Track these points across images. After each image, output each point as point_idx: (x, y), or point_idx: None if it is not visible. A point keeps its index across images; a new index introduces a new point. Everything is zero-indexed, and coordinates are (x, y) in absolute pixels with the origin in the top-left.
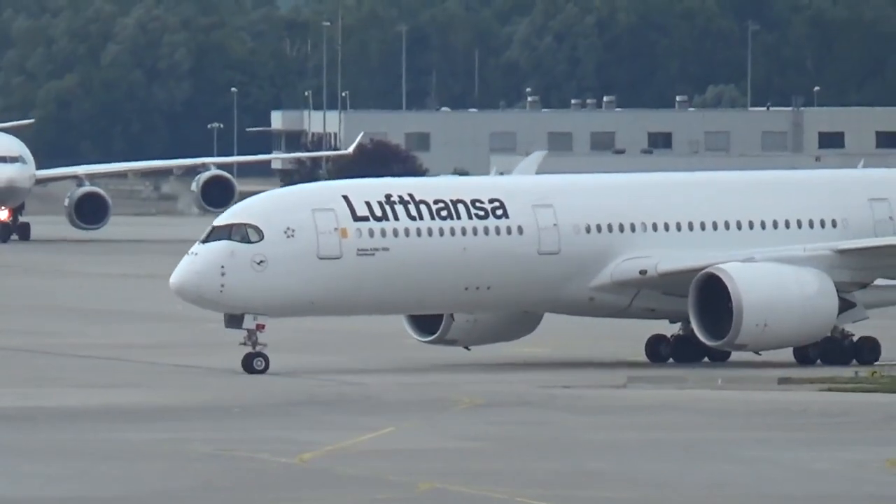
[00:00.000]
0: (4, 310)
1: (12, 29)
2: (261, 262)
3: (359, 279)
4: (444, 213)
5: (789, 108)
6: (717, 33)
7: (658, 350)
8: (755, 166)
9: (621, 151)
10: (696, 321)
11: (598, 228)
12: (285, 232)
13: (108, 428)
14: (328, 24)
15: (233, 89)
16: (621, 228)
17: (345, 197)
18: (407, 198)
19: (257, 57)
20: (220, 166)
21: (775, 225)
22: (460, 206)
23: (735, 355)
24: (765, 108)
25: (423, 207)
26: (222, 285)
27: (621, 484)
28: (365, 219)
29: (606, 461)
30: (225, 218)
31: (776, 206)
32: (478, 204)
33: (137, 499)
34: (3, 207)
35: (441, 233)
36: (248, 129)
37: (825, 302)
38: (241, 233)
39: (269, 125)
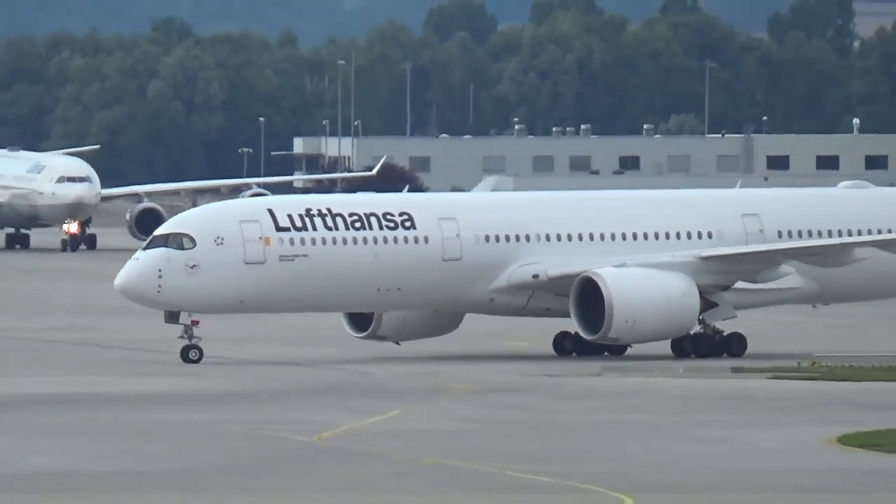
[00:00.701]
0: (71, 308)
1: (70, 66)
2: (193, 266)
3: (281, 282)
4: (357, 224)
5: (741, 135)
6: (680, 70)
7: (563, 345)
8: (712, 185)
9: (596, 172)
10: (577, 318)
11: (497, 238)
12: (215, 240)
13: (153, 410)
14: (343, 62)
15: (260, 119)
16: (517, 238)
17: (269, 210)
18: (325, 211)
19: (281, 91)
20: (260, 185)
21: (656, 236)
22: (373, 219)
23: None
24: (720, 135)
25: (338, 219)
26: (159, 286)
27: (596, 459)
28: (286, 229)
29: (583, 440)
30: (163, 228)
31: (656, 220)
32: (388, 216)
33: (178, 472)
34: (73, 221)
35: (355, 241)
36: (273, 154)
37: (688, 302)
38: (176, 241)
39: (292, 150)
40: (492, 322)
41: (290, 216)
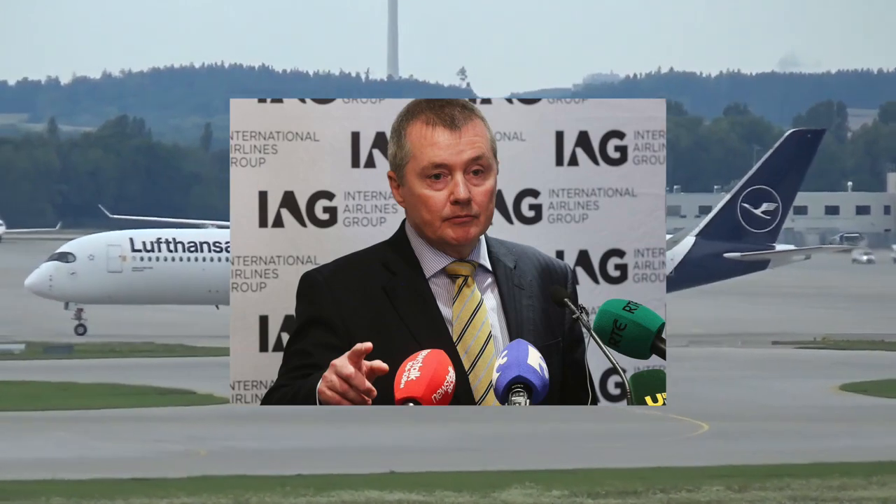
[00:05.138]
0: None
1: None
2: (73, 273)
3: (133, 285)
4: (192, 248)
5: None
6: (736, 150)
7: None
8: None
9: (684, 216)
10: None
11: None
12: (89, 257)
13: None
14: None
15: None
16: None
17: (130, 238)
18: (170, 240)
19: None
20: None
21: None
22: (205, 246)
23: None
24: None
25: (179, 245)
26: (50, 286)
27: (687, 400)
28: (140, 251)
29: (677, 388)
30: (59, 249)
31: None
32: (216, 244)
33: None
34: None
35: (189, 259)
36: None
37: None
38: (64, 257)
39: None
40: None
41: (143, 242)
